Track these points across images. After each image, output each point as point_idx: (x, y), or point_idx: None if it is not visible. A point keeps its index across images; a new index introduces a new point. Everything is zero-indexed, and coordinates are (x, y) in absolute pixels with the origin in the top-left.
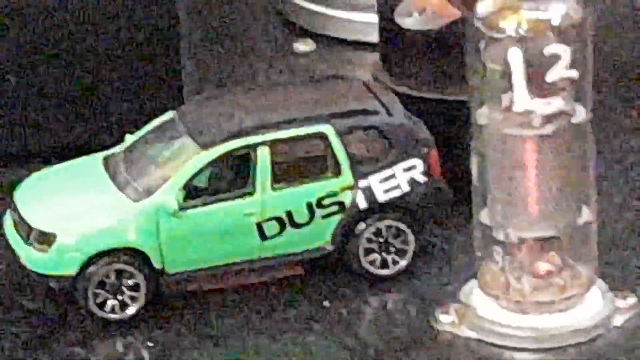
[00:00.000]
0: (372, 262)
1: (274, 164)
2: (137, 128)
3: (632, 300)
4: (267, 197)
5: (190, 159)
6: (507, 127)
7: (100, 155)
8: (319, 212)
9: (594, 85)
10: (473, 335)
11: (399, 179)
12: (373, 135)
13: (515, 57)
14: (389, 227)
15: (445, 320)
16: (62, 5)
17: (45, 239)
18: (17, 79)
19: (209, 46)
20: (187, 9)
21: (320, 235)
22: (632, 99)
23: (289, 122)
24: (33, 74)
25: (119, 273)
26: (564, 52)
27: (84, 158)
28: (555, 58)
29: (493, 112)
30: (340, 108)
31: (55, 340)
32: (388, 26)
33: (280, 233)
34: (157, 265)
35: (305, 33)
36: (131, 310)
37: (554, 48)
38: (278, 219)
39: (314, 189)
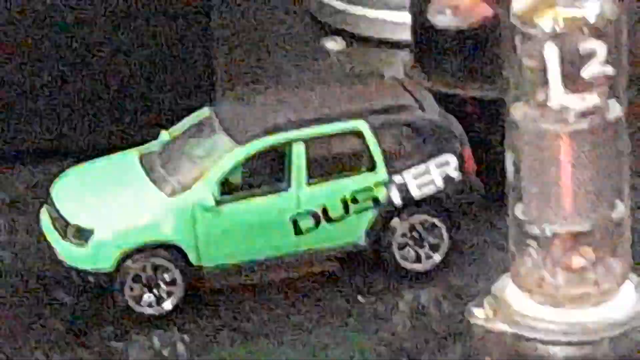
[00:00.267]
0: (405, 257)
1: (309, 159)
2: (170, 125)
3: None
4: (302, 193)
5: (226, 155)
6: (542, 122)
7: (135, 151)
8: (353, 208)
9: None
10: (507, 329)
11: (433, 174)
12: (407, 132)
13: (551, 54)
14: (422, 222)
15: (479, 314)
16: (94, 2)
17: (83, 234)
18: (49, 75)
19: (239, 45)
20: (219, 7)
21: (355, 230)
22: None
23: (324, 119)
24: (66, 71)
25: (156, 268)
26: (600, 48)
27: (120, 154)
28: (591, 54)
29: (528, 108)
30: (375, 104)
31: (92, 334)
32: (421, 24)
33: (315, 228)
34: (193, 260)
35: (335, 32)
36: (167, 305)
37: (589, 44)
38: (313, 214)
39: (349, 185)
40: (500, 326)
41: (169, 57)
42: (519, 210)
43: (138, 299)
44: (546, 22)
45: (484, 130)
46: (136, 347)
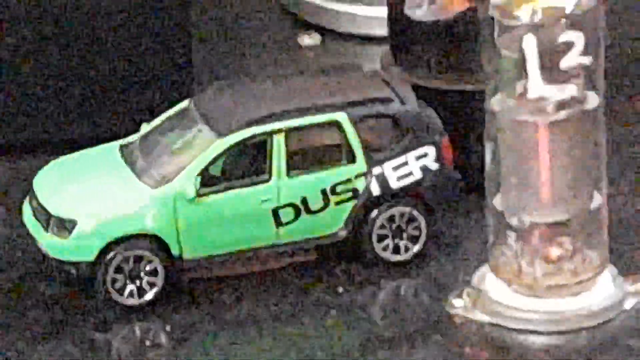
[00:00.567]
0: (385, 248)
1: (289, 151)
2: (150, 119)
3: None
4: (282, 184)
5: (207, 147)
6: (521, 113)
7: (116, 144)
8: (333, 199)
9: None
10: (486, 319)
11: (412, 166)
12: (386, 123)
13: (530, 45)
14: (401, 213)
15: (459, 304)
16: None
17: (65, 226)
18: (31, 69)
19: (217, 39)
20: (197, 2)
21: (334, 221)
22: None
23: (304, 110)
24: (48, 65)
25: (137, 259)
26: (578, 39)
27: (101, 147)
28: (569, 45)
29: (507, 99)
30: (354, 96)
31: (75, 325)
32: (397, 18)
33: (295, 219)
34: (174, 251)
35: (310, 27)
36: (149, 295)
37: (568, 35)
38: (293, 206)
39: (329, 176)
40: (480, 316)
41: (149, 51)
42: (497, 201)
43: (120, 290)
44: (525, 13)
45: (461, 123)
46: (118, 338)
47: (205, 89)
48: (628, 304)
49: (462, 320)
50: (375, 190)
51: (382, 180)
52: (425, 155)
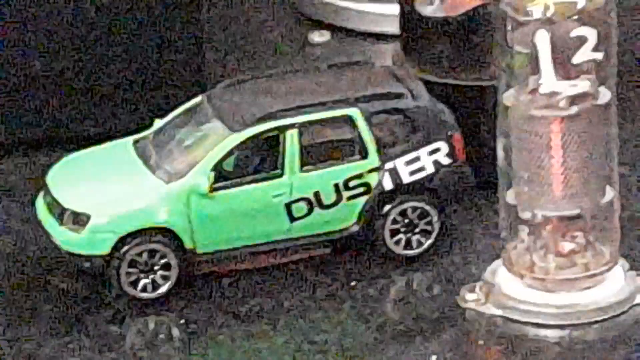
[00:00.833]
0: (397, 243)
1: (302, 146)
2: (162, 115)
3: None
4: (295, 179)
5: (220, 142)
6: (533, 108)
7: (130, 139)
8: (345, 194)
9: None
10: (498, 312)
11: (424, 161)
12: (399, 118)
13: (543, 40)
14: (414, 208)
15: (471, 298)
16: None
17: (79, 220)
18: (44, 66)
19: (228, 37)
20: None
21: (347, 216)
22: None
23: (317, 106)
24: (61, 62)
25: (151, 253)
26: (591, 34)
27: (114, 142)
28: (582, 40)
29: (519, 94)
30: (367, 92)
31: (89, 318)
32: (409, 14)
33: (308, 214)
34: (188, 245)
35: (319, 25)
36: (163, 289)
37: (580, 30)
38: (306, 200)
39: (341, 171)
40: (492, 310)
41: (162, 49)
42: (510, 196)
43: (134, 284)
44: (537, 8)
45: (472, 118)
46: (132, 331)
47: (218, 85)
48: (639, 298)
49: (474, 314)
50: (388, 185)
51: (395, 175)
52: (437, 150)
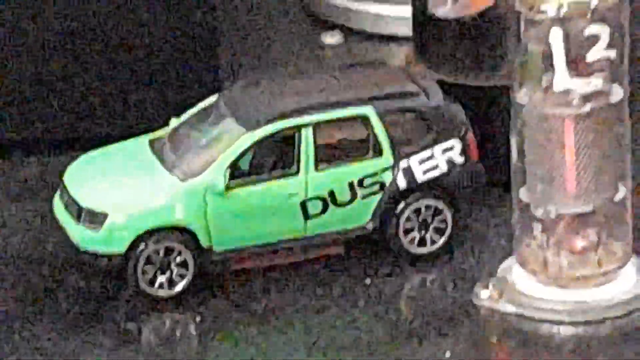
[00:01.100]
0: (411, 241)
1: (317, 145)
2: (177, 114)
3: None
4: (310, 178)
5: (236, 140)
6: (547, 106)
7: (145, 138)
8: (360, 192)
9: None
10: (512, 309)
11: (438, 159)
12: (413, 117)
13: (557, 38)
14: (427, 206)
15: (485, 295)
16: None
17: (96, 218)
18: (61, 66)
19: (242, 38)
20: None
21: (362, 214)
22: None
23: (332, 105)
24: (77, 62)
25: (168, 251)
26: (604, 32)
27: (130, 141)
28: (595, 38)
29: (533, 92)
30: (381, 91)
31: (106, 316)
32: (422, 15)
33: (323, 212)
34: (204, 243)
35: (332, 26)
36: (179, 286)
37: (594, 28)
38: (321, 199)
39: (356, 170)
40: (506, 307)
41: (177, 49)
42: (523, 193)
43: (151, 281)
44: (551, 7)
45: (485, 118)
46: (149, 328)
47: (234, 85)
48: None
49: (488, 311)
50: (402, 183)
51: (409, 174)
52: (451, 148)
